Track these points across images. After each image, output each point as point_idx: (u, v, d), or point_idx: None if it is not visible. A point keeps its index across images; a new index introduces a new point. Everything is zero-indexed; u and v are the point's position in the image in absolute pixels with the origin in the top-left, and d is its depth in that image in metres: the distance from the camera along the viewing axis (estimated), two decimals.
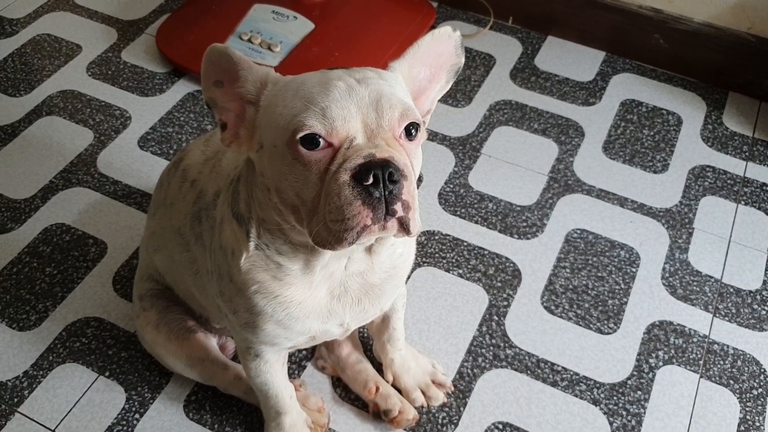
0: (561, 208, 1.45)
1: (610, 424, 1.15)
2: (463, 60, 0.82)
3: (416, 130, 0.73)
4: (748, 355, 1.24)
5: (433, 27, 1.83)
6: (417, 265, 1.35)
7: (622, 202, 1.47)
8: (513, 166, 1.53)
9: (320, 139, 0.69)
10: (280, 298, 0.84)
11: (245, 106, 0.76)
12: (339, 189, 0.68)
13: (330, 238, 0.70)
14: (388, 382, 1.16)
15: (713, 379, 1.21)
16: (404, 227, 0.70)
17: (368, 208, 0.68)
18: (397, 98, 0.72)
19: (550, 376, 1.20)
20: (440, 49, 0.80)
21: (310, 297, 0.85)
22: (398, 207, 0.69)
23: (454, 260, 1.36)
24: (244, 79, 0.74)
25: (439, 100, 1.65)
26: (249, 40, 1.67)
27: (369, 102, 0.70)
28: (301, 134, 0.68)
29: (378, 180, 0.67)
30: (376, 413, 1.14)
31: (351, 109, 0.69)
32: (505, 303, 1.30)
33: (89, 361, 1.20)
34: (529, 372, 1.21)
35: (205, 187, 0.94)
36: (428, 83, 0.82)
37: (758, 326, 1.28)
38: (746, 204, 1.47)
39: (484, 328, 1.26)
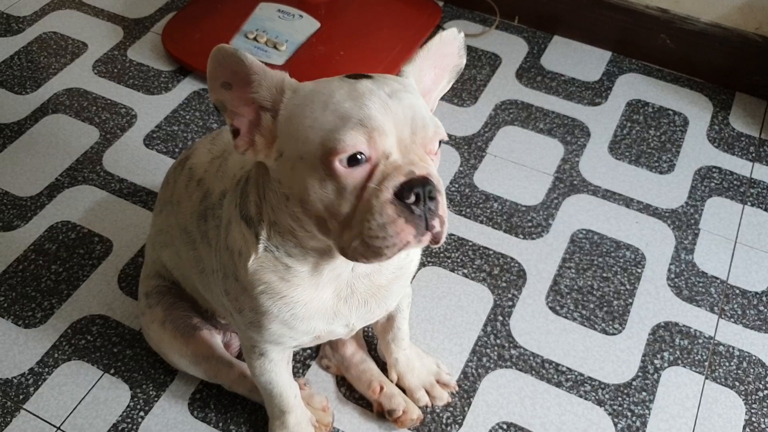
0: (566, 208, 1.45)
1: (615, 425, 1.15)
2: (464, 61, 0.82)
3: (439, 145, 0.74)
4: (754, 357, 1.24)
5: (439, 26, 1.83)
6: (422, 264, 1.34)
7: (627, 202, 1.46)
8: (518, 166, 1.52)
9: (360, 156, 0.68)
10: (286, 298, 0.83)
11: (260, 112, 0.74)
12: (381, 207, 0.68)
13: (368, 252, 0.70)
14: (392, 381, 1.16)
15: (719, 380, 1.21)
16: (435, 239, 0.72)
17: (411, 225, 0.69)
18: (429, 116, 0.72)
19: (555, 377, 1.20)
20: (446, 51, 0.80)
21: (317, 298, 0.85)
22: (436, 223, 0.70)
23: (459, 260, 1.35)
24: (257, 84, 0.72)
25: (445, 100, 1.65)
26: (255, 39, 1.67)
27: (403, 119, 0.70)
28: (343, 155, 0.67)
29: (419, 198, 0.68)
30: (380, 413, 1.14)
31: (388, 125, 0.68)
32: (510, 303, 1.30)
33: (94, 358, 1.21)
34: (533, 372, 1.21)
35: (211, 187, 0.94)
36: (433, 84, 0.82)
37: (764, 328, 1.28)
38: (752, 205, 1.47)
39: (489, 328, 1.26)
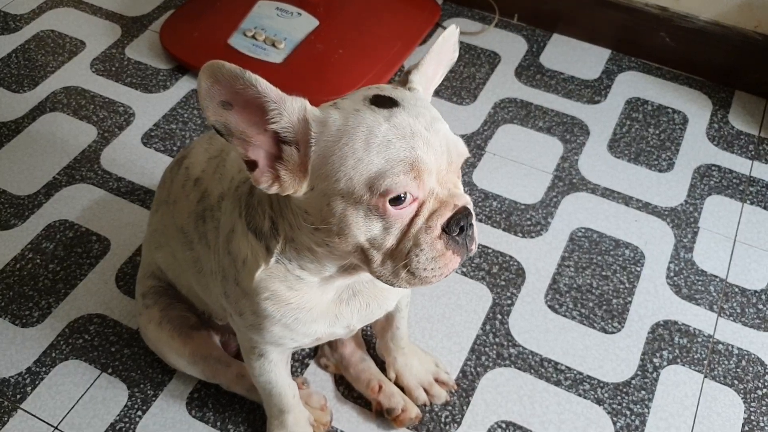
0: (565, 206, 1.45)
1: (614, 423, 1.15)
2: (457, 55, 0.83)
3: None
4: (753, 355, 1.24)
5: (438, 24, 1.82)
6: None
7: (627, 200, 1.46)
8: (517, 165, 1.52)
9: (409, 195, 0.69)
10: (292, 305, 0.83)
11: (280, 144, 0.69)
12: (431, 242, 0.71)
13: (414, 280, 0.73)
14: (391, 380, 1.15)
15: (718, 379, 1.20)
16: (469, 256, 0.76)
17: (457, 255, 0.73)
18: (461, 142, 0.73)
19: (554, 376, 1.20)
20: (444, 48, 0.80)
21: (320, 303, 0.85)
22: (474, 246, 0.75)
23: None
24: (277, 113, 0.67)
25: (444, 98, 1.65)
26: (253, 37, 1.66)
27: (440, 151, 0.70)
28: (392, 194, 0.68)
29: (463, 229, 0.72)
30: (378, 412, 1.13)
31: (432, 162, 0.69)
32: (509, 302, 1.29)
33: (92, 358, 1.20)
34: (532, 371, 1.20)
35: (209, 187, 0.93)
36: (430, 80, 0.82)
37: (763, 326, 1.27)
38: (752, 203, 1.46)
39: (488, 327, 1.26)
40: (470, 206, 0.73)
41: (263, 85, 0.64)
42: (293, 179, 0.70)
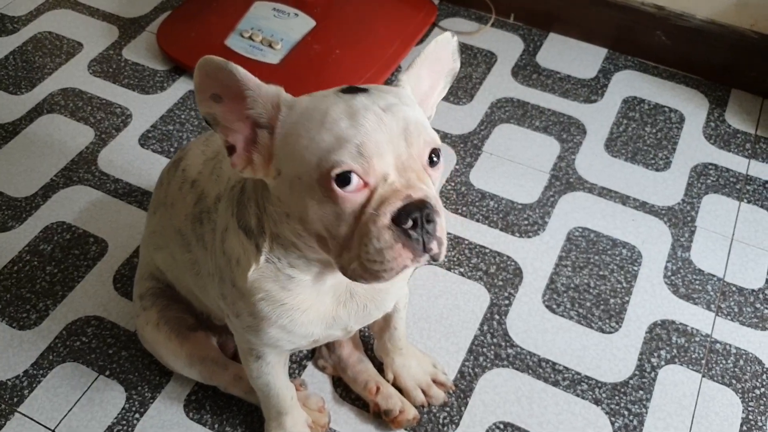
0: (562, 206, 1.45)
1: (612, 423, 1.15)
2: (459, 65, 0.81)
3: (438, 157, 0.72)
4: (751, 355, 1.24)
5: (435, 24, 1.82)
6: None
7: (624, 200, 1.46)
8: (514, 164, 1.52)
9: (356, 178, 0.67)
10: (286, 306, 0.83)
11: (256, 129, 0.72)
12: (378, 233, 0.67)
13: (366, 274, 0.70)
14: (388, 381, 1.15)
15: (715, 378, 1.21)
16: (434, 258, 0.71)
17: (408, 250, 0.68)
18: (421, 125, 0.71)
19: (552, 376, 1.20)
20: (440, 55, 0.79)
21: (316, 304, 0.85)
22: (434, 245, 0.69)
23: (455, 259, 1.35)
24: (252, 100, 0.70)
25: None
26: (250, 38, 1.66)
27: (398, 132, 0.68)
28: (337, 172, 0.66)
29: (416, 222, 0.67)
30: (376, 413, 1.13)
31: (383, 143, 0.67)
32: (507, 302, 1.29)
33: (89, 360, 1.20)
34: (530, 371, 1.20)
35: (206, 189, 0.93)
36: (430, 90, 0.81)
37: (761, 325, 1.27)
38: (749, 202, 1.46)
39: (486, 327, 1.26)
40: (432, 201, 0.68)
41: (242, 73, 0.68)
42: (262, 162, 0.73)
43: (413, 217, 0.67)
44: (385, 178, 0.68)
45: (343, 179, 0.67)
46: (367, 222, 0.68)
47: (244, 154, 0.73)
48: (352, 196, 0.68)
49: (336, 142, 0.67)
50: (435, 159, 0.72)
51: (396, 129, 0.68)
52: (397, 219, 0.67)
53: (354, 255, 0.69)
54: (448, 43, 0.79)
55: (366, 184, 0.68)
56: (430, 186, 0.71)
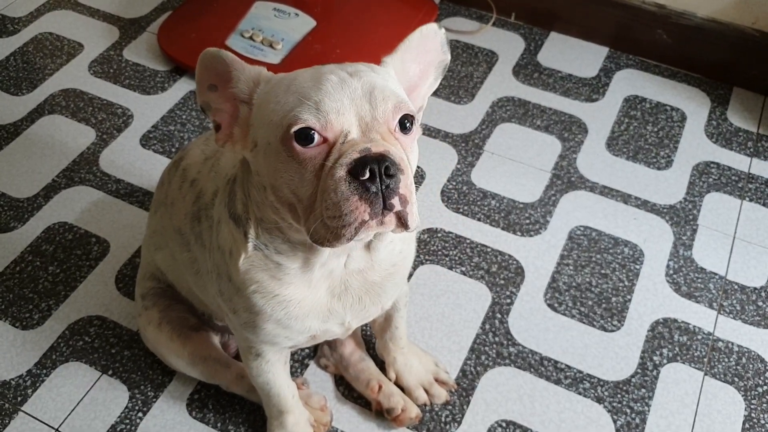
0: (564, 205, 1.45)
1: (614, 422, 1.15)
2: (449, 57, 0.81)
3: (411, 123, 0.73)
4: (753, 353, 1.24)
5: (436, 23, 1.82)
6: (419, 262, 1.34)
7: (625, 198, 1.46)
8: (516, 163, 1.52)
9: (315, 134, 0.68)
10: (279, 297, 0.83)
11: (239, 106, 0.75)
12: (335, 185, 0.67)
13: (328, 235, 0.69)
14: (390, 380, 1.15)
15: (718, 376, 1.20)
16: (402, 222, 0.70)
17: (365, 203, 0.67)
18: (390, 90, 0.71)
19: (554, 374, 1.20)
20: (428, 46, 0.79)
21: (310, 296, 0.85)
22: (396, 201, 0.68)
23: (456, 258, 1.35)
24: (236, 80, 0.74)
25: (442, 97, 1.65)
26: (251, 38, 1.67)
27: (362, 94, 0.69)
28: (295, 128, 0.68)
29: (374, 175, 0.66)
30: (378, 412, 1.13)
31: (344, 101, 0.68)
32: (508, 301, 1.29)
33: (92, 359, 1.20)
34: (532, 370, 1.20)
35: (204, 187, 0.94)
36: (419, 80, 0.81)
37: (763, 323, 1.27)
38: (751, 200, 1.46)
39: (487, 326, 1.26)
40: (393, 156, 0.67)
41: (230, 58, 0.72)
42: (240, 134, 0.76)
43: (370, 168, 0.66)
44: (345, 135, 0.69)
45: (304, 136, 0.68)
46: (326, 177, 0.68)
47: (227, 129, 0.76)
48: (311, 151, 0.69)
49: (297, 102, 0.69)
50: (408, 125, 0.72)
51: (360, 91, 0.69)
52: (353, 170, 0.66)
53: (317, 215, 0.69)
54: (435, 35, 0.79)
55: (325, 140, 0.69)
56: (397, 147, 0.70)
